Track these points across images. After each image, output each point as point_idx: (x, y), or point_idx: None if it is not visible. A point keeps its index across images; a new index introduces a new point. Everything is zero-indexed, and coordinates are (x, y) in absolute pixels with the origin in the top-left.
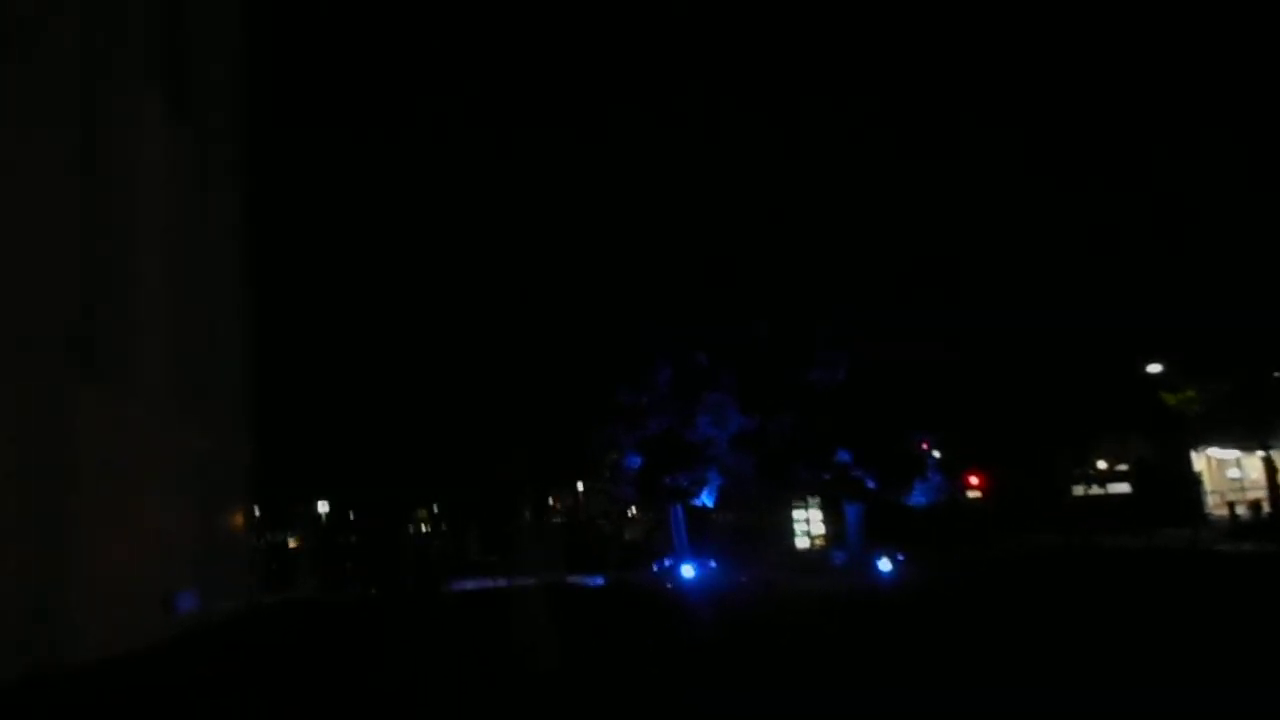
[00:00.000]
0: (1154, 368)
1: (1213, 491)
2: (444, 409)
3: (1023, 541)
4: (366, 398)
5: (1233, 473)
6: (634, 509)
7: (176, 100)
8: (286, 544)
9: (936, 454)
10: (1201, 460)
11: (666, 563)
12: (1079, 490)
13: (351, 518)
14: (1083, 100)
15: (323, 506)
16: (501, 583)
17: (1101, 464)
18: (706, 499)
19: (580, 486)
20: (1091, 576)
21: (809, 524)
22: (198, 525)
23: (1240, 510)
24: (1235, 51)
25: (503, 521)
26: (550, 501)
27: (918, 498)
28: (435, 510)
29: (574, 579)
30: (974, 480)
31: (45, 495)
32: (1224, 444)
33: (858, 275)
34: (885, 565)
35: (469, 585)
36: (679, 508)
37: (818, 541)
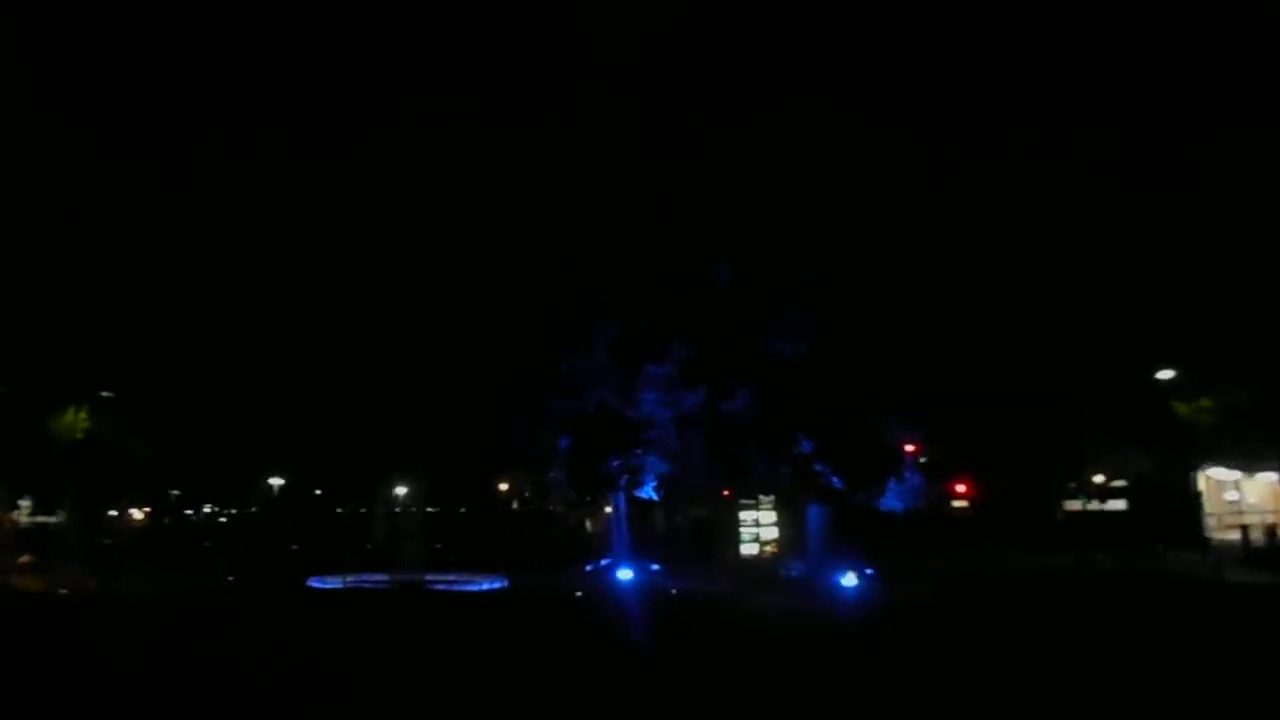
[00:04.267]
0: (1165, 374)
1: (1209, 514)
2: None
3: (1013, 559)
4: (302, 372)
5: (1230, 495)
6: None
7: None
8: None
9: (923, 459)
10: (1200, 480)
11: (603, 563)
12: (1074, 505)
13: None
14: (1101, 90)
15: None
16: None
17: (1098, 478)
18: (649, 490)
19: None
20: (1112, 609)
21: (759, 526)
22: None
23: (1254, 535)
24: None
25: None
26: (503, 488)
27: (892, 501)
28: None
29: (449, 579)
30: (961, 488)
31: None
32: (1233, 462)
33: (834, 235)
34: (850, 581)
35: (316, 583)
36: (621, 499)
37: (768, 548)
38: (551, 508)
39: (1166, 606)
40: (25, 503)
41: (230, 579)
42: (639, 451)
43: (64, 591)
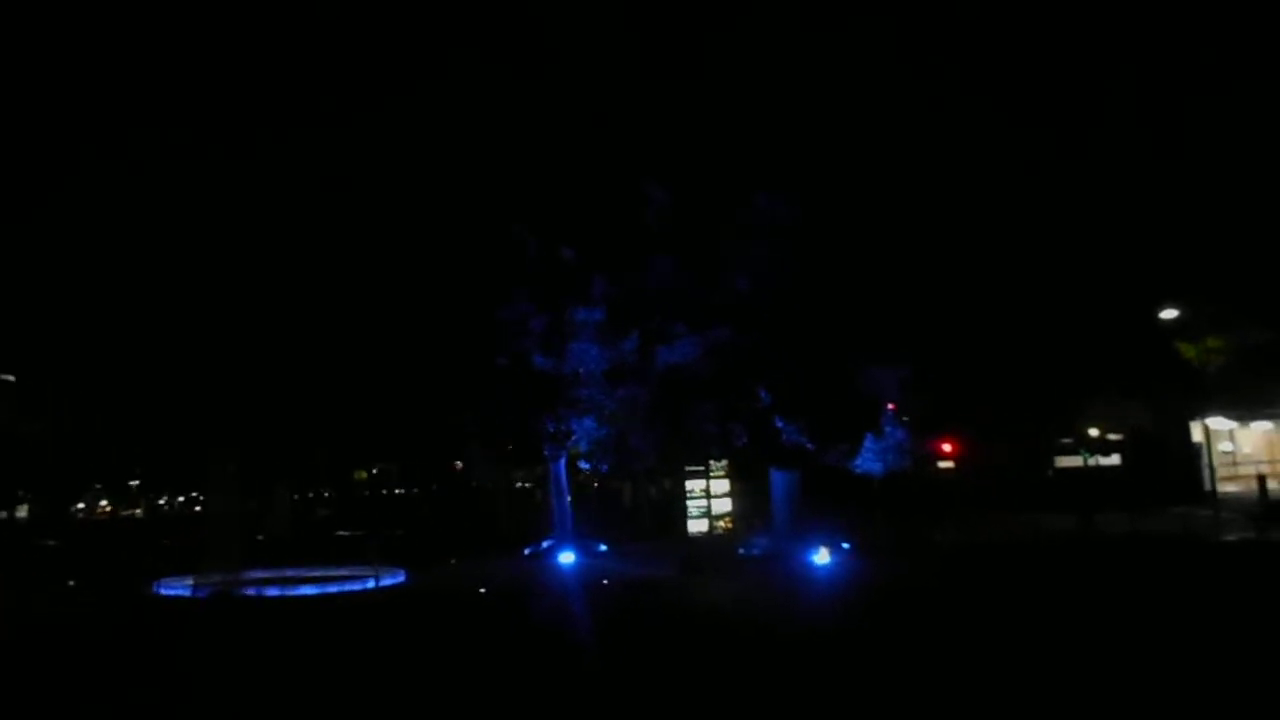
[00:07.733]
0: (1168, 313)
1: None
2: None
3: (1007, 524)
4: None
5: (1224, 445)
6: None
7: None
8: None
9: (904, 417)
10: (1198, 430)
11: (543, 545)
12: (1069, 462)
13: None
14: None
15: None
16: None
17: (1093, 431)
18: (583, 459)
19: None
20: (1140, 587)
21: (710, 498)
22: None
23: (1273, 485)
24: None
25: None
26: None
27: (870, 462)
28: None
29: (337, 575)
30: (947, 446)
31: None
32: (1231, 411)
33: (797, 149)
34: (823, 558)
35: (165, 588)
36: (561, 471)
37: (722, 524)
38: (522, 485)
39: (1196, 576)
40: None
41: (70, 585)
42: (565, 413)
43: None
